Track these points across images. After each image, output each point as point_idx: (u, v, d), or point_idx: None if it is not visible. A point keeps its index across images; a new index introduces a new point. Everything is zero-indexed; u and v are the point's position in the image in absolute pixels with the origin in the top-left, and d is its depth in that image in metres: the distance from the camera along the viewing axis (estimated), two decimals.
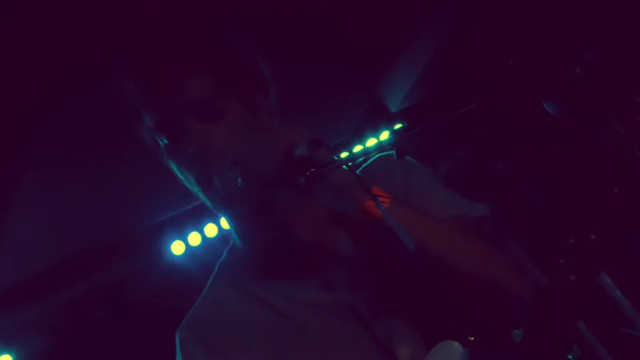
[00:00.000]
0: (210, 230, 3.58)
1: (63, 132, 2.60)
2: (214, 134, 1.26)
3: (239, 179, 1.20)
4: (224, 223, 3.51)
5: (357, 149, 3.76)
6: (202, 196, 1.31)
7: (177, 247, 3.51)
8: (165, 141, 1.30)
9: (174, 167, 1.33)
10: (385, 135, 3.74)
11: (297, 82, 2.41)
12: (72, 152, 2.71)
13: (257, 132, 1.25)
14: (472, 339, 1.13)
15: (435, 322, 1.27)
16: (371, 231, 1.31)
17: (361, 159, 1.45)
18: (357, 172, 1.35)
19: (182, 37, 1.29)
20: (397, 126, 3.81)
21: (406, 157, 1.17)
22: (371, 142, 3.81)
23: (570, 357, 1.01)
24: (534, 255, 1.19)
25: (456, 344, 1.16)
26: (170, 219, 3.53)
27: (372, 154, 1.45)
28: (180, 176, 1.33)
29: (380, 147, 1.29)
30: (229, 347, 1.32)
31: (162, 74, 1.26)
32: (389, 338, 1.30)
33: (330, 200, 1.28)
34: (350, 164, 1.18)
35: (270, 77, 1.37)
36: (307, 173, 1.18)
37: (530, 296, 1.21)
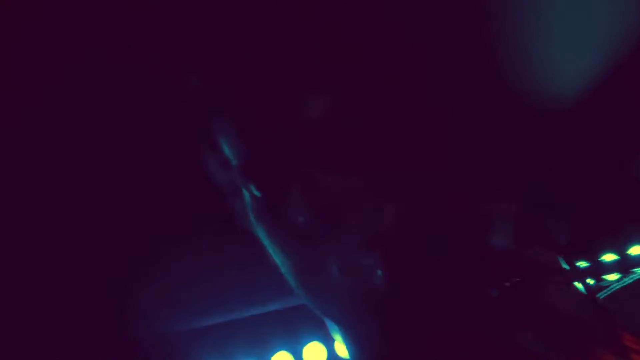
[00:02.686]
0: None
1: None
2: (345, 191, 0.72)
3: (379, 271, 0.66)
4: (338, 347, 2.33)
5: (608, 257, 2.45)
6: (300, 291, 0.79)
7: None
8: (257, 193, 0.78)
9: (261, 234, 0.81)
10: None
11: None
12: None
13: (419, 194, 0.72)
14: None
15: None
16: None
17: (612, 279, 0.85)
18: (601, 297, 0.79)
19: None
20: None
21: None
22: (635, 250, 2.38)
23: None
24: None
25: None
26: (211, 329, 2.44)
27: (631, 273, 0.82)
28: (269, 251, 0.81)
29: None
30: None
31: (265, 81, 0.75)
32: None
33: (537, 342, 0.70)
34: (591, 282, 0.63)
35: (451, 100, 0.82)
36: (507, 283, 0.64)
37: None
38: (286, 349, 2.42)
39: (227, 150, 0.77)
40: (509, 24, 1.58)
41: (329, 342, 2.57)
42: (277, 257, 0.78)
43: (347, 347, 0.87)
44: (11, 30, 1.15)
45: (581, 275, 0.62)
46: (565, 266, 0.64)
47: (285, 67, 0.73)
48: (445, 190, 0.79)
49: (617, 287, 0.83)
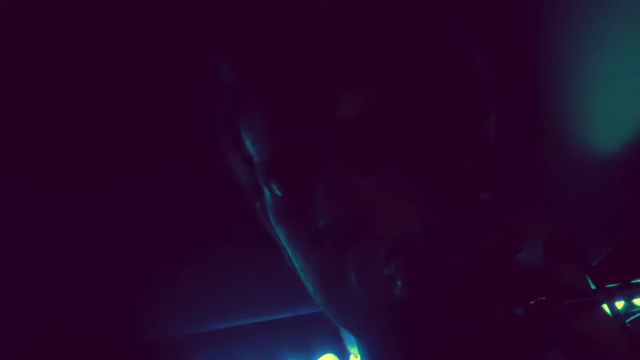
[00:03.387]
0: None
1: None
2: (370, 195, 0.69)
3: (398, 282, 0.64)
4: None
5: None
6: (317, 298, 0.75)
7: None
8: (279, 193, 0.74)
9: (280, 235, 0.76)
10: None
11: None
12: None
13: (450, 204, 0.69)
14: None
15: None
16: None
17: None
18: (633, 322, 0.76)
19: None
20: None
21: None
22: None
23: None
24: None
25: None
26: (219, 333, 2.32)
27: None
28: (287, 251, 0.78)
29: None
30: None
31: (299, 75, 0.71)
32: None
33: None
34: (620, 305, 0.60)
35: (492, 95, 0.78)
36: (533, 302, 0.61)
37: None
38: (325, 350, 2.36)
39: (250, 145, 0.74)
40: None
41: (344, 356, 2.51)
42: (296, 261, 0.75)
43: (361, 356, 0.84)
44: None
45: (610, 296, 0.59)
46: (593, 287, 0.61)
47: (322, 62, 0.71)
48: (477, 201, 0.76)
49: None
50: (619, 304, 0.61)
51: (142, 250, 1.95)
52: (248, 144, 0.74)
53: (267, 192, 0.75)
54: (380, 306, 0.66)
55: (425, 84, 0.74)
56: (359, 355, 0.87)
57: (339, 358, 2.40)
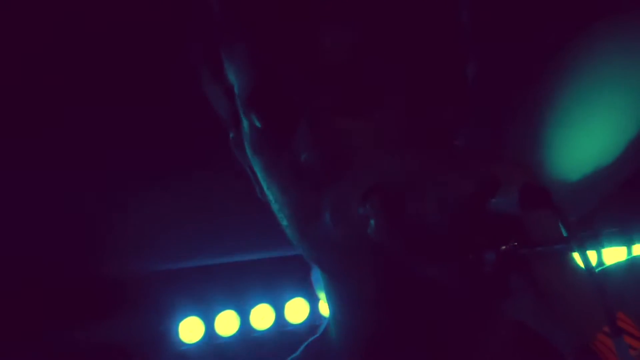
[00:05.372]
0: (260, 313, 2.11)
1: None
2: (354, 136, 0.69)
3: (372, 221, 0.64)
4: (322, 306, 2.06)
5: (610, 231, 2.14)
6: (291, 231, 0.75)
7: (193, 331, 2.17)
8: (258, 124, 0.73)
9: (256, 167, 0.76)
10: None
11: None
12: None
13: (428, 150, 0.69)
14: None
15: None
16: None
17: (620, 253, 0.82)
18: (599, 273, 0.76)
19: None
20: None
21: None
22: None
23: None
24: None
25: None
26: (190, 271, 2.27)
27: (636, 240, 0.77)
28: (262, 185, 0.79)
29: None
30: None
31: (285, 5, 0.69)
32: None
33: (528, 314, 0.67)
34: (591, 255, 0.60)
35: (473, 50, 0.79)
36: (504, 247, 0.62)
37: None
38: (267, 302, 2.39)
39: (232, 76, 0.73)
40: None
41: (313, 301, 2.52)
42: (271, 193, 0.75)
43: (329, 301, 0.85)
44: None
45: (581, 245, 0.59)
46: (565, 234, 0.61)
47: None
48: (454, 147, 0.76)
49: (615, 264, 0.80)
50: (591, 254, 0.61)
51: (104, 184, 1.92)
52: (230, 75, 0.74)
53: (245, 123, 0.75)
54: (352, 244, 0.67)
55: (409, 28, 0.73)
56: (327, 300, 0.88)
57: (309, 302, 2.43)
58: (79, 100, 1.73)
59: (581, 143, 2.33)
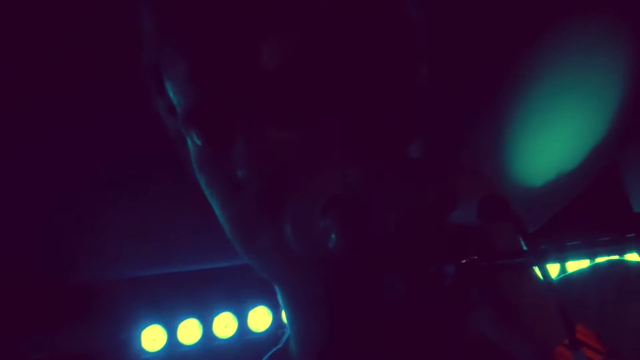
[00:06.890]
0: (223, 321, 2.14)
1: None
2: (294, 148, 0.68)
3: (332, 236, 0.63)
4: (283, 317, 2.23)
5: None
6: (235, 244, 0.74)
7: (155, 339, 2.16)
8: (198, 142, 0.72)
9: (201, 183, 0.75)
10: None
11: None
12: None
13: (385, 159, 0.68)
14: None
15: None
16: None
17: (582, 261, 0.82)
18: (560, 284, 0.76)
19: None
20: None
21: None
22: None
23: None
24: None
25: None
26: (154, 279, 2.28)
27: (599, 254, 0.77)
28: (213, 205, 0.78)
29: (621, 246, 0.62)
30: None
31: (215, 22, 0.68)
32: None
33: (490, 327, 0.67)
34: (552, 268, 0.60)
35: (426, 51, 0.78)
36: (464, 261, 0.61)
37: None
38: (230, 311, 2.38)
39: (172, 95, 0.73)
40: None
41: (276, 309, 2.52)
42: (215, 208, 0.74)
43: (285, 312, 0.84)
44: None
45: (542, 258, 0.58)
46: (525, 247, 0.61)
47: (240, 9, 0.69)
48: (412, 157, 0.75)
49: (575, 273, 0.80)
50: (552, 267, 0.60)
51: (72, 191, 1.89)
52: (170, 93, 0.73)
53: (189, 141, 0.74)
54: (311, 256, 0.66)
55: (353, 31, 0.72)
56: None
57: (271, 311, 2.42)
58: (41, 106, 1.70)
59: (544, 148, 2.35)
